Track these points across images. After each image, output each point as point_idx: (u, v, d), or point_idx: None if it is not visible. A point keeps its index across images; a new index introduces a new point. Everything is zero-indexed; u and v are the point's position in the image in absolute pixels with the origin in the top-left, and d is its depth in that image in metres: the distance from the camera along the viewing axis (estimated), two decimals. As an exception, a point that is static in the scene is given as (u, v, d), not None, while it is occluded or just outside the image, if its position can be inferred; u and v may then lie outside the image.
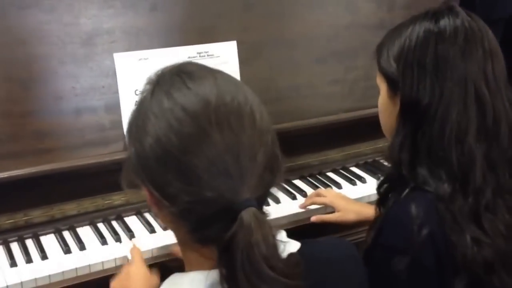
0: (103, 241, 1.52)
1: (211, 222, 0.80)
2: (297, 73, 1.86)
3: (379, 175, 1.79)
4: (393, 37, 1.17)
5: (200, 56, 1.70)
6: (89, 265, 1.44)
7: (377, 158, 1.96)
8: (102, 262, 1.45)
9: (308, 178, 1.85)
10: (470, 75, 1.09)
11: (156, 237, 1.54)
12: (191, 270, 0.88)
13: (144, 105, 0.84)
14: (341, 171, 1.91)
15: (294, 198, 1.73)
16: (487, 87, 1.10)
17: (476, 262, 1.06)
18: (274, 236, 0.79)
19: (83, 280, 1.44)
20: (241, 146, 0.79)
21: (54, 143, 1.56)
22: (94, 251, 1.49)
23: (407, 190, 1.12)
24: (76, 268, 1.42)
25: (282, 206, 1.67)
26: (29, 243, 1.52)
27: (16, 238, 1.53)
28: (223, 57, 1.73)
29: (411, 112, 1.12)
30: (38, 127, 1.55)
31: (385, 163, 1.83)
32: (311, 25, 1.89)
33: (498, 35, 2.64)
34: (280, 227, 1.50)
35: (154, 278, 1.31)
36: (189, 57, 1.69)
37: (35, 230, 1.55)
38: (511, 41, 2.65)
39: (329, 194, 1.64)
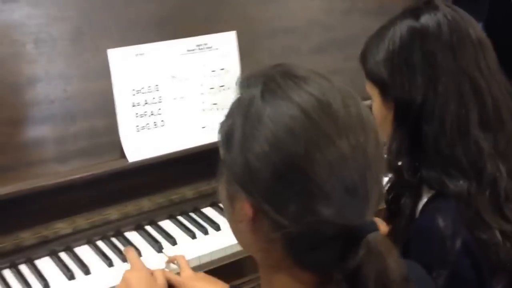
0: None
1: (324, 245, 0.71)
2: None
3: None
4: (375, 42, 1.14)
5: (199, 49, 1.56)
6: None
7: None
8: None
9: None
10: (462, 67, 1.08)
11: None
12: None
13: (254, 109, 0.73)
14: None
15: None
16: (482, 76, 1.08)
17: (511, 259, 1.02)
18: (400, 261, 0.73)
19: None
20: (367, 158, 0.71)
21: None
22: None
23: (425, 199, 1.08)
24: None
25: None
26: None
27: None
28: (221, 49, 1.59)
29: (406, 114, 1.10)
30: None
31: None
32: (310, 11, 1.81)
33: (483, 15, 2.69)
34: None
35: (159, 280, 1.19)
36: (188, 51, 1.55)
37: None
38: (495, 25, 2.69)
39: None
